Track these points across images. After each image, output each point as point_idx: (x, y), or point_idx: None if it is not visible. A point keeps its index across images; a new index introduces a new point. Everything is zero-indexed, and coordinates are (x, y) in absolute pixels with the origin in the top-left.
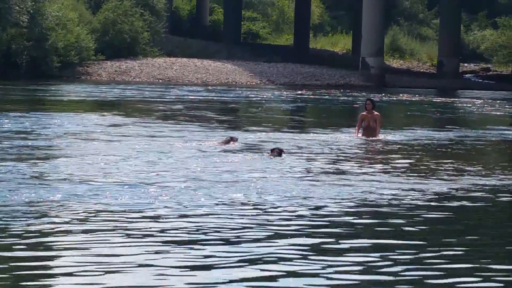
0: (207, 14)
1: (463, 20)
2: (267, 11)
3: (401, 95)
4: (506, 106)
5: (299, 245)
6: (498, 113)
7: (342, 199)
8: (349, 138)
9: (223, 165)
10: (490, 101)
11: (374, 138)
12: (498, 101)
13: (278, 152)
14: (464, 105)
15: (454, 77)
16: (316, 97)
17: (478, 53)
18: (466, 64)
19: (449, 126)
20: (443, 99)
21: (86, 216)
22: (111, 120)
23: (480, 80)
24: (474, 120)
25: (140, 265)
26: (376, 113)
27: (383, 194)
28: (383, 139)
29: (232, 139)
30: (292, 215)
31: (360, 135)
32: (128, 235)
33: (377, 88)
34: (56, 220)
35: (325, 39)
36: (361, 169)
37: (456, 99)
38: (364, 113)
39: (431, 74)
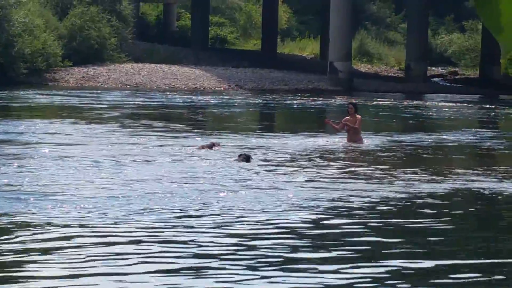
0: (175, 20)
1: (430, 24)
2: (235, 16)
3: (375, 99)
4: (473, 110)
5: (263, 255)
6: (465, 116)
7: (313, 204)
8: (325, 142)
9: (186, 171)
10: (457, 104)
11: (358, 142)
12: (465, 105)
13: (245, 158)
14: (432, 108)
15: (422, 81)
16: (282, 101)
17: (446, 56)
18: (434, 68)
19: (421, 130)
20: (411, 102)
21: (58, 225)
22: (81, 127)
23: (448, 84)
24: (441, 123)
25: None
26: (358, 116)
27: (355, 199)
28: (366, 143)
29: (215, 144)
30: (253, 222)
31: (344, 141)
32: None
33: (345, 92)
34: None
35: (293, 44)
36: (331, 173)
37: (424, 103)
38: (347, 117)
39: (399, 78)
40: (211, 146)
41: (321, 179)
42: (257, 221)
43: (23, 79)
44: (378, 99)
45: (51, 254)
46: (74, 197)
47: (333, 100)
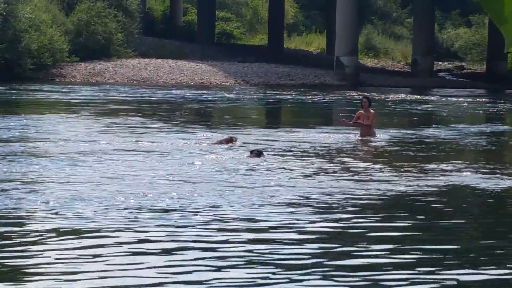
0: (181, 15)
1: (436, 18)
2: (241, 11)
3: (381, 93)
4: (480, 104)
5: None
6: (471, 111)
7: (328, 199)
8: (338, 137)
9: (197, 166)
10: (464, 99)
11: (370, 137)
12: (472, 99)
13: (257, 153)
14: (439, 103)
15: (429, 76)
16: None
17: (452, 51)
18: (440, 63)
19: (428, 125)
20: (418, 97)
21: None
22: (97, 123)
23: (455, 78)
24: (448, 118)
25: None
26: (371, 111)
27: (373, 191)
28: (378, 137)
29: (232, 139)
30: (267, 216)
31: (357, 136)
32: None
33: (351, 87)
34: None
35: (300, 38)
36: (344, 168)
37: (430, 97)
38: (361, 111)
39: (406, 73)
40: (229, 140)
41: (334, 174)
42: (267, 217)
43: (29, 75)
44: (385, 94)
45: (46, 251)
46: (81, 192)
47: (341, 95)
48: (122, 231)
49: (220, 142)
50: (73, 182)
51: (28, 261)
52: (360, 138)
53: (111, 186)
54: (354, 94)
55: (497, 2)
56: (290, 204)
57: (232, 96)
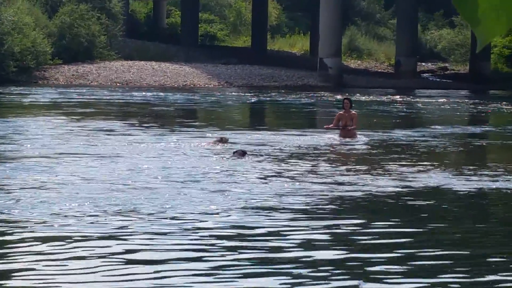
0: (165, 17)
1: (420, 19)
2: (224, 13)
3: (364, 95)
4: (463, 105)
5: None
6: (454, 112)
7: (306, 198)
8: (320, 138)
9: (179, 168)
10: (447, 100)
11: (351, 138)
12: (455, 100)
13: (241, 154)
14: (422, 104)
15: (412, 77)
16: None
17: (436, 52)
18: (423, 64)
19: (411, 126)
20: (401, 98)
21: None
22: (78, 123)
23: (438, 79)
24: (431, 119)
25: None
26: (353, 112)
27: (354, 193)
28: (359, 138)
29: (223, 139)
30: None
31: (336, 135)
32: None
33: (335, 89)
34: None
35: (283, 40)
36: (325, 171)
37: (414, 98)
38: (341, 112)
39: (389, 74)
40: (219, 141)
41: (315, 175)
42: (247, 217)
43: (12, 77)
44: (368, 95)
45: (39, 254)
46: (56, 196)
47: (324, 96)
48: (92, 237)
49: (211, 143)
50: (49, 186)
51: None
52: (341, 139)
53: (75, 191)
54: (337, 95)
55: (470, 2)
56: (269, 208)
57: (216, 97)
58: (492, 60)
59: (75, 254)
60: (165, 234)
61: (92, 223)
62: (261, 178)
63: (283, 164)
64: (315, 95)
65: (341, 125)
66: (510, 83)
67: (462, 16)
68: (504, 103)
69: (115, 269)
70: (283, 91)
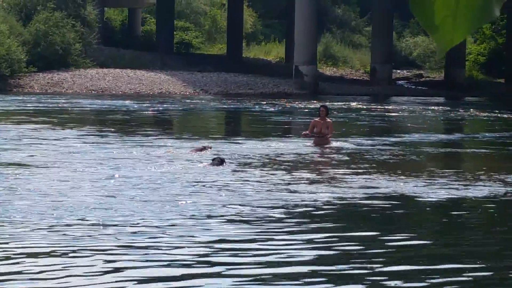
0: (140, 25)
1: (395, 27)
2: (200, 20)
3: (340, 102)
4: (438, 112)
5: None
6: (429, 119)
7: (284, 206)
8: (297, 146)
9: (158, 176)
10: (422, 107)
11: (325, 145)
12: (430, 107)
13: (219, 161)
14: (397, 111)
15: (387, 84)
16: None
17: (411, 59)
18: (399, 71)
19: (385, 133)
20: (376, 105)
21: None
22: (58, 132)
23: (413, 86)
24: (406, 126)
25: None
26: (328, 120)
27: (331, 200)
28: (334, 146)
29: (206, 147)
30: (221, 224)
31: (310, 142)
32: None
33: (310, 96)
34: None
35: (259, 47)
36: (305, 176)
37: (389, 105)
38: (317, 119)
39: (365, 81)
40: (203, 149)
41: (290, 183)
42: (224, 226)
43: None
44: (344, 102)
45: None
46: (47, 204)
47: (300, 104)
48: (63, 249)
49: (195, 151)
50: (21, 195)
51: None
52: (315, 147)
53: (46, 201)
54: (313, 102)
55: (428, 10)
56: (246, 216)
57: (192, 105)
58: (467, 67)
59: (49, 268)
60: (144, 246)
61: (64, 234)
62: (239, 186)
63: (260, 172)
64: (291, 102)
65: (315, 132)
66: (485, 90)
67: (420, 24)
68: (478, 110)
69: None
70: (258, 98)
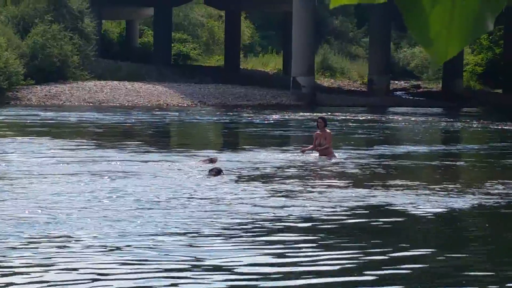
0: (137, 37)
1: (392, 38)
2: (197, 32)
3: (340, 114)
4: (435, 123)
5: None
6: (427, 130)
7: (280, 217)
8: (293, 157)
9: (152, 187)
10: (420, 118)
11: (325, 156)
12: (428, 118)
13: (216, 172)
14: (395, 122)
15: (385, 95)
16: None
17: (408, 70)
18: (396, 82)
19: (384, 144)
20: (374, 116)
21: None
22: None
23: (411, 97)
24: (404, 137)
25: None
26: (327, 131)
27: (333, 210)
28: (334, 157)
29: (212, 160)
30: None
31: (315, 153)
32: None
33: (308, 107)
34: None
35: (256, 59)
36: (302, 190)
37: (386, 116)
38: (318, 131)
39: (362, 92)
40: (209, 161)
41: (289, 194)
42: (221, 236)
43: None
44: (341, 113)
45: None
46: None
47: (298, 115)
48: (57, 261)
49: (200, 163)
50: (19, 206)
51: None
52: (317, 157)
53: (46, 212)
54: (310, 114)
55: (422, 23)
56: (243, 227)
57: (190, 117)
58: (464, 78)
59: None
60: (140, 256)
61: (59, 247)
62: (236, 197)
63: (258, 183)
64: (289, 113)
65: (317, 144)
66: (482, 101)
67: (414, 37)
68: (475, 121)
69: None
70: (256, 110)
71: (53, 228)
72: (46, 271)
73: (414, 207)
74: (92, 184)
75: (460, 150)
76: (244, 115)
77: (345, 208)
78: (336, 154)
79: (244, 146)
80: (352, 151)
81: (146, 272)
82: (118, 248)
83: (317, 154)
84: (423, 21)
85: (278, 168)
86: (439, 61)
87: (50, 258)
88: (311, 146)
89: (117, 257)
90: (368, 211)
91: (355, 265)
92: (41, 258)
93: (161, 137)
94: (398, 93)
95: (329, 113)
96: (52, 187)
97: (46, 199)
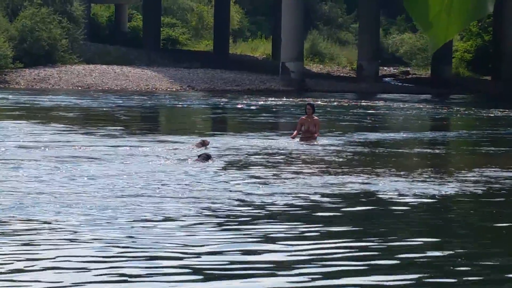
0: (126, 21)
1: (382, 24)
2: (186, 17)
3: (326, 99)
4: (424, 109)
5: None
6: (415, 116)
7: (273, 203)
8: (284, 143)
9: (143, 172)
10: (408, 104)
11: (312, 142)
12: (416, 104)
13: (205, 157)
14: (384, 108)
15: (374, 81)
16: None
17: (397, 56)
18: (385, 68)
19: (372, 130)
20: (363, 102)
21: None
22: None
23: (400, 84)
24: (392, 123)
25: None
26: (315, 117)
27: (319, 197)
28: (320, 143)
29: (205, 142)
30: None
31: (297, 139)
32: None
33: (297, 93)
34: None
35: (245, 44)
36: (294, 172)
37: (375, 103)
38: (303, 117)
39: (351, 78)
40: (202, 144)
41: (276, 180)
42: (209, 221)
43: None
44: (330, 99)
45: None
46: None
47: (286, 100)
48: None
49: (192, 146)
50: (10, 191)
51: None
52: (302, 144)
53: (34, 197)
54: (301, 99)
55: (421, 6)
56: (231, 213)
57: (178, 101)
58: (453, 65)
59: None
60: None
61: (55, 229)
62: (225, 182)
63: (246, 169)
64: (277, 99)
65: (303, 130)
66: (471, 88)
67: (413, 20)
68: (464, 107)
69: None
70: (245, 95)
71: (35, 213)
72: (18, 259)
73: (400, 194)
74: (72, 170)
75: (448, 137)
76: (233, 100)
77: (331, 195)
78: (319, 140)
79: (232, 131)
80: (339, 137)
81: (125, 260)
82: (101, 235)
83: (300, 140)
84: (422, 3)
85: (266, 153)
86: (438, 43)
87: (24, 245)
88: (295, 132)
89: (100, 244)
90: (353, 198)
91: (341, 254)
92: (15, 246)
93: (147, 122)
94: (387, 79)
95: (317, 99)
96: (37, 171)
97: (29, 184)
